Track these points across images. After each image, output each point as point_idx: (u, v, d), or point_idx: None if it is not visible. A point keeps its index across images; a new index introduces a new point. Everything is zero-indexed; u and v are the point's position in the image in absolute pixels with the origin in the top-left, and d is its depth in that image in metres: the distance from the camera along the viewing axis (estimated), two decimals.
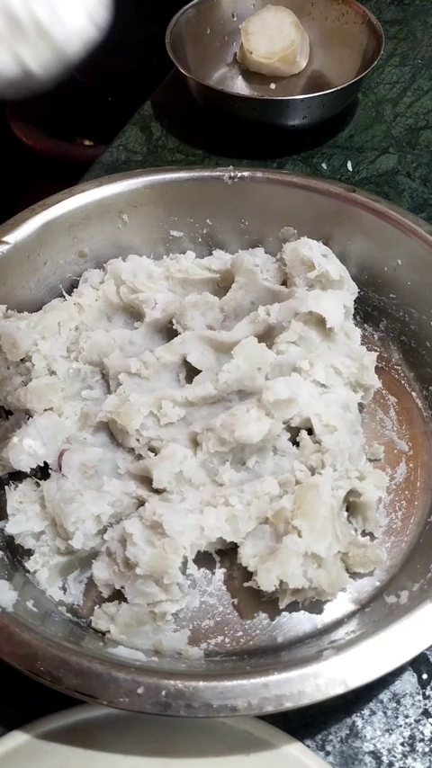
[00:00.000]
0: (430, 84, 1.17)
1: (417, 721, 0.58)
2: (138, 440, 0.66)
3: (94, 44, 0.42)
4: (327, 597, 0.61)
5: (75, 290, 0.82)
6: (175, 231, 0.85)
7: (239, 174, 0.82)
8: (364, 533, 0.67)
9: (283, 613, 0.62)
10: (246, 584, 0.61)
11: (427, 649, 0.52)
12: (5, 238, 0.76)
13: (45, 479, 0.67)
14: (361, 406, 0.73)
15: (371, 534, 0.67)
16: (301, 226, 0.82)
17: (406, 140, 1.08)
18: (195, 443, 0.66)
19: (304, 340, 0.72)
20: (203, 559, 0.65)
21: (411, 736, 0.57)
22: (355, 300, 0.77)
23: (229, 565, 0.65)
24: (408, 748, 0.57)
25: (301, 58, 1.13)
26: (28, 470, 0.67)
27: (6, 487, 0.68)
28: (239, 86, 1.15)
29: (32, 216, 0.78)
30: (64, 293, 0.82)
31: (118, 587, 0.60)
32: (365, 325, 0.81)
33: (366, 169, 1.03)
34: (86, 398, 0.73)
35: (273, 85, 1.14)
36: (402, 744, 0.57)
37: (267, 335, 0.77)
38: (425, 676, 0.60)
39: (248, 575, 0.61)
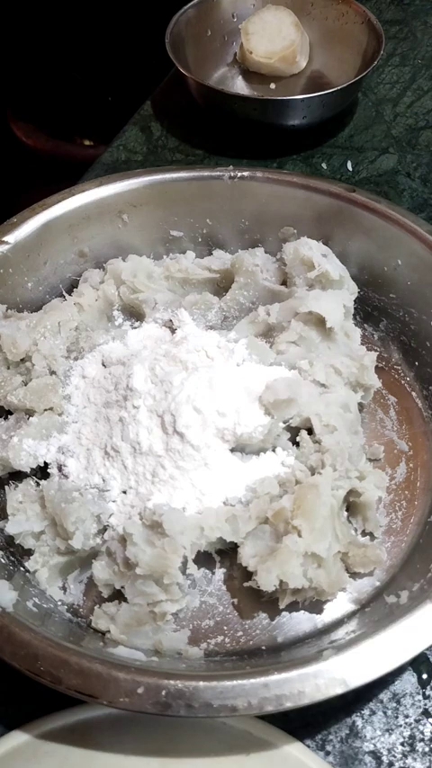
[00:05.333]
0: (430, 84, 1.17)
1: (417, 721, 0.58)
2: None
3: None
4: (327, 597, 0.61)
5: (75, 289, 0.82)
6: (175, 231, 0.85)
7: (239, 174, 0.82)
8: (364, 533, 0.67)
9: (283, 613, 0.62)
10: (246, 584, 0.61)
11: (427, 649, 0.52)
12: (5, 238, 0.76)
13: (45, 479, 0.68)
14: (361, 405, 0.73)
15: (371, 534, 0.67)
16: (301, 226, 0.82)
17: (406, 140, 1.08)
18: None
19: (304, 340, 0.73)
20: (203, 559, 0.65)
21: (411, 736, 0.57)
22: (355, 300, 0.77)
23: (229, 565, 0.65)
24: (408, 748, 0.57)
25: (301, 58, 1.14)
26: (28, 470, 0.67)
27: (6, 487, 0.68)
28: (239, 86, 1.15)
29: (32, 216, 0.78)
30: (64, 293, 0.82)
31: (118, 587, 0.60)
32: (365, 325, 0.81)
33: (366, 169, 1.03)
34: None
35: (273, 85, 1.14)
36: (402, 744, 0.57)
37: (267, 335, 0.77)
38: (425, 676, 0.60)
39: (248, 575, 0.61)
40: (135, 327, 0.81)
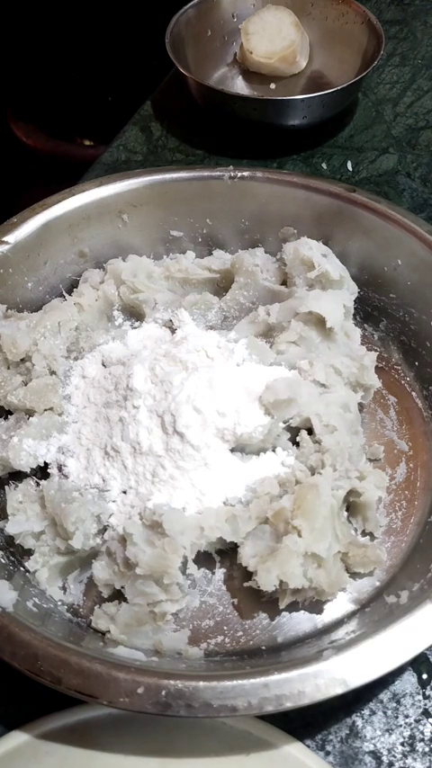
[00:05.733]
0: (430, 84, 1.17)
1: (417, 721, 0.58)
2: None
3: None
4: (327, 597, 0.61)
5: (75, 290, 0.82)
6: (175, 231, 0.85)
7: (239, 174, 0.82)
8: (364, 533, 0.67)
9: (283, 613, 0.62)
10: (246, 584, 0.61)
11: (427, 649, 0.52)
12: (5, 238, 0.76)
13: (45, 479, 0.68)
14: (361, 406, 0.73)
15: (371, 534, 0.67)
16: (301, 226, 0.82)
17: (406, 140, 1.08)
18: None
19: (304, 340, 0.73)
20: (203, 559, 0.65)
21: (411, 736, 0.57)
22: (355, 300, 0.77)
23: (229, 565, 0.65)
24: (408, 748, 0.57)
25: (301, 58, 1.14)
26: (28, 470, 0.67)
27: (6, 487, 0.68)
28: (239, 86, 1.15)
29: (32, 216, 0.78)
30: (64, 293, 0.82)
31: (118, 587, 0.60)
32: (365, 325, 0.81)
33: (366, 169, 1.03)
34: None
35: (273, 85, 1.14)
36: (402, 744, 0.57)
37: (267, 335, 0.77)
38: (425, 676, 0.60)
39: (248, 575, 0.61)
40: (135, 327, 0.81)
